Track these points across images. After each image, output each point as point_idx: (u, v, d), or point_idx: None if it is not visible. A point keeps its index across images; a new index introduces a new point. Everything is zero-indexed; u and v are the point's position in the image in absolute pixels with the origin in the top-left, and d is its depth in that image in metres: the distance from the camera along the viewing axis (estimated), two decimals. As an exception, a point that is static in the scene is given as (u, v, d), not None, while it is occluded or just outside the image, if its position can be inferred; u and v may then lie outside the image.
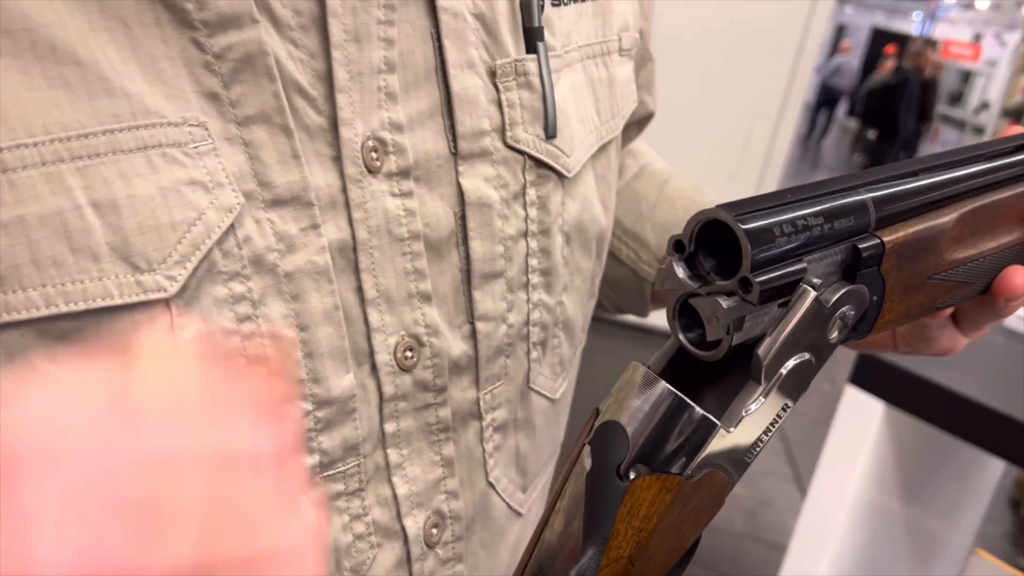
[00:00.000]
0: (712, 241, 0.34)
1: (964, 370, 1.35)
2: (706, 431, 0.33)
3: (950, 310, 0.49)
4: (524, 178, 0.46)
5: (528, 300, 0.48)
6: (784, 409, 0.35)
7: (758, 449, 0.36)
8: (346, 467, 0.42)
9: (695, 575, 2.15)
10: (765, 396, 0.34)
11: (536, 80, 0.45)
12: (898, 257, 0.38)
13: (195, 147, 0.34)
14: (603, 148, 0.53)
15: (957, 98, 14.52)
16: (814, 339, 0.35)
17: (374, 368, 0.42)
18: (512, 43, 0.44)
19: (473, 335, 0.46)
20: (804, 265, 0.34)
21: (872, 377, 1.39)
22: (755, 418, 0.34)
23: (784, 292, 0.33)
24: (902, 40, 14.86)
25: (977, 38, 14.42)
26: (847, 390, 1.44)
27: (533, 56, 0.45)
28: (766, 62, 3.53)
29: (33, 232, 0.31)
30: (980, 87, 14.06)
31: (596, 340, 0.83)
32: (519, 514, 0.55)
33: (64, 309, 0.32)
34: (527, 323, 0.49)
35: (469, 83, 0.43)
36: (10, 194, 0.30)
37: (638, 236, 0.66)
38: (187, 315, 0.34)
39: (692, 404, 0.33)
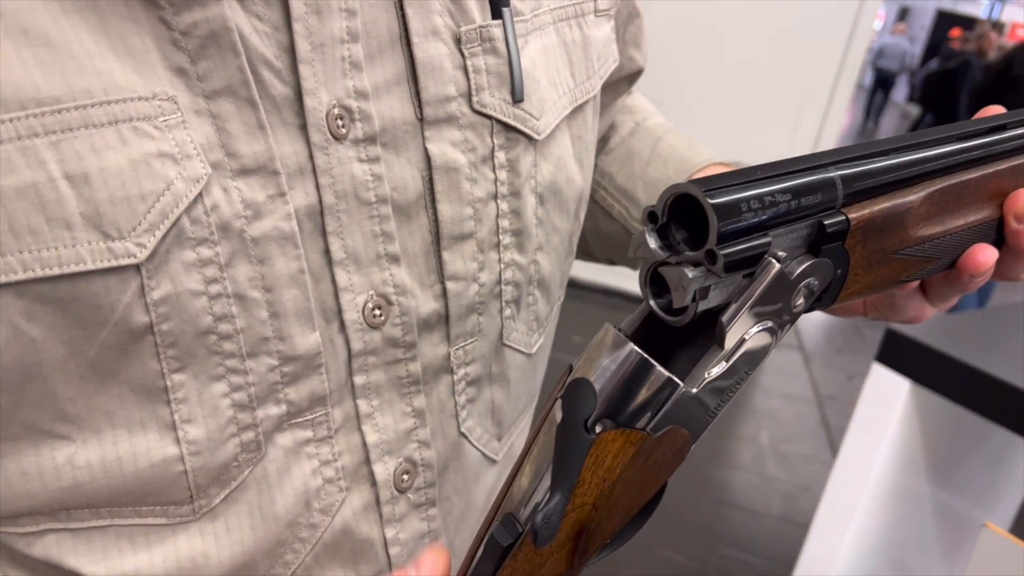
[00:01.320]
0: (684, 213, 0.36)
1: (994, 349, 1.33)
2: (669, 391, 0.35)
3: (917, 282, 0.50)
4: (492, 142, 0.47)
5: (500, 260, 0.50)
6: (746, 374, 0.37)
7: (720, 411, 0.38)
8: (314, 416, 0.45)
9: (730, 556, 2.15)
10: (727, 361, 0.36)
11: (502, 45, 0.46)
12: (863, 233, 0.39)
13: (164, 120, 0.36)
14: (579, 109, 0.53)
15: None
16: (778, 308, 0.37)
17: (342, 326, 0.44)
18: (477, 9, 0.45)
19: (444, 294, 0.48)
20: (769, 239, 0.35)
21: (899, 355, 1.38)
22: (717, 381, 0.36)
23: (749, 264, 0.35)
24: (969, 23, 14.43)
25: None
26: (873, 368, 1.43)
27: (498, 22, 0.46)
28: (817, 44, 3.47)
29: (10, 203, 0.33)
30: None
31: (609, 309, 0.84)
32: (494, 461, 0.57)
33: (40, 274, 0.34)
34: (499, 282, 0.50)
35: (433, 50, 0.44)
36: None
37: (630, 194, 0.67)
38: (157, 278, 0.37)
39: (656, 365, 0.35)
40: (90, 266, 0.35)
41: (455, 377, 0.50)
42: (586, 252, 0.74)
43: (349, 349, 0.45)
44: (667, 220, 0.36)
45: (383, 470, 0.48)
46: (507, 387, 0.55)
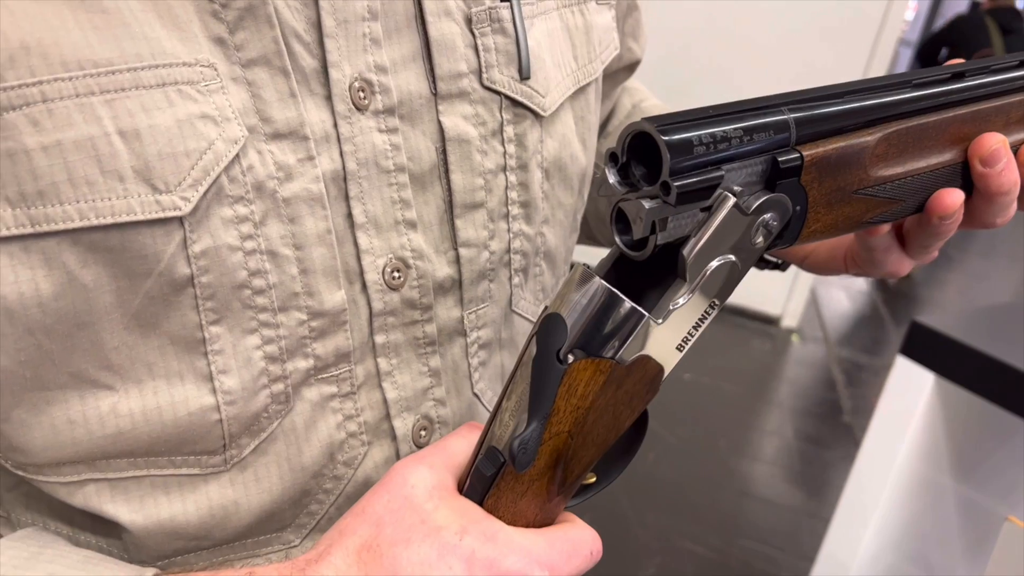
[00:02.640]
0: (643, 152, 0.38)
1: (1019, 342, 1.32)
2: (635, 321, 0.38)
3: (886, 227, 0.51)
4: (501, 116, 0.50)
5: (509, 230, 0.52)
6: (711, 307, 0.40)
7: (687, 342, 0.40)
8: (339, 372, 0.47)
9: (752, 548, 2.14)
10: (691, 293, 0.38)
11: (510, 26, 0.49)
12: (818, 170, 0.41)
13: (206, 85, 0.39)
14: (581, 90, 0.56)
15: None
16: (738, 242, 0.39)
17: (364, 286, 0.47)
18: None
19: (457, 260, 0.50)
20: (722, 173, 0.37)
21: (923, 348, 1.37)
22: (683, 313, 0.39)
23: (702, 196, 0.37)
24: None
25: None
26: (897, 360, 1.42)
27: (507, 4, 0.49)
28: (846, 35, 3.42)
29: (69, 155, 0.36)
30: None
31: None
32: None
33: (95, 222, 0.37)
34: (508, 251, 0.53)
35: (446, 29, 0.47)
36: (50, 121, 0.35)
37: None
38: (198, 232, 0.39)
39: (622, 296, 0.38)
40: (140, 216, 0.37)
41: (468, 340, 0.53)
42: (589, 236, 0.76)
43: (370, 309, 0.47)
44: (627, 159, 0.38)
45: (402, 425, 0.50)
46: (515, 352, 0.57)
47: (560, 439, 0.39)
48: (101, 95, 0.36)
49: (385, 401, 0.50)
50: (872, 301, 4.51)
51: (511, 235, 0.52)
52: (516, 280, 0.54)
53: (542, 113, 0.51)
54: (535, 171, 0.52)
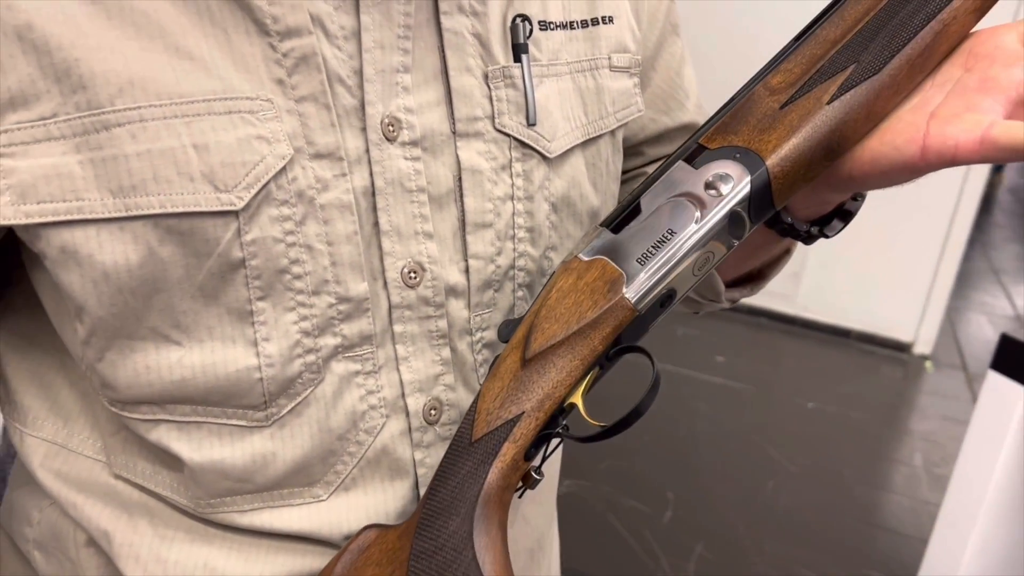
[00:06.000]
0: None
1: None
2: (596, 231, 0.53)
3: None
4: (510, 154, 0.60)
5: (515, 249, 0.61)
6: (670, 232, 0.51)
7: (647, 259, 0.52)
8: (363, 352, 0.57)
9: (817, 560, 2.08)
10: (644, 219, 0.52)
11: (520, 82, 0.59)
12: (725, 127, 0.53)
13: (264, 114, 0.49)
14: (592, 141, 0.65)
15: None
16: (689, 189, 0.52)
17: (385, 284, 0.57)
18: (502, 54, 0.58)
19: (467, 269, 0.60)
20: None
21: (1016, 362, 1.34)
22: (637, 230, 0.52)
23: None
24: None
25: None
26: (989, 375, 1.39)
27: (518, 64, 0.59)
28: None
29: (155, 160, 0.47)
30: None
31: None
32: None
33: (171, 210, 0.48)
34: (513, 267, 0.62)
35: (466, 83, 0.57)
36: (144, 135, 0.47)
37: None
38: (250, 224, 0.50)
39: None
40: (204, 208, 0.48)
41: (473, 338, 0.62)
42: None
43: (390, 302, 0.57)
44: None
45: (415, 403, 0.60)
46: None
47: (531, 316, 0.52)
48: (183, 118, 0.47)
49: (401, 382, 0.59)
50: (1019, 327, 4.26)
51: (516, 254, 0.61)
52: (520, 293, 0.63)
53: (547, 155, 0.61)
54: (541, 203, 0.61)
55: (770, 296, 3.87)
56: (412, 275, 0.57)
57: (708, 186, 0.51)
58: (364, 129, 0.53)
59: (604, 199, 0.67)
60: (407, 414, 0.60)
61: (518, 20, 0.58)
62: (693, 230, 0.51)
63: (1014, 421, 1.36)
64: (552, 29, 0.61)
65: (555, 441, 0.54)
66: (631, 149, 0.77)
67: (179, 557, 0.58)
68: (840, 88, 0.50)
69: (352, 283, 0.54)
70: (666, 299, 0.53)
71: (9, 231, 0.51)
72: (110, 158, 0.47)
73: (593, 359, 0.52)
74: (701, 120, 0.76)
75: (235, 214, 0.49)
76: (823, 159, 0.51)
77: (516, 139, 0.59)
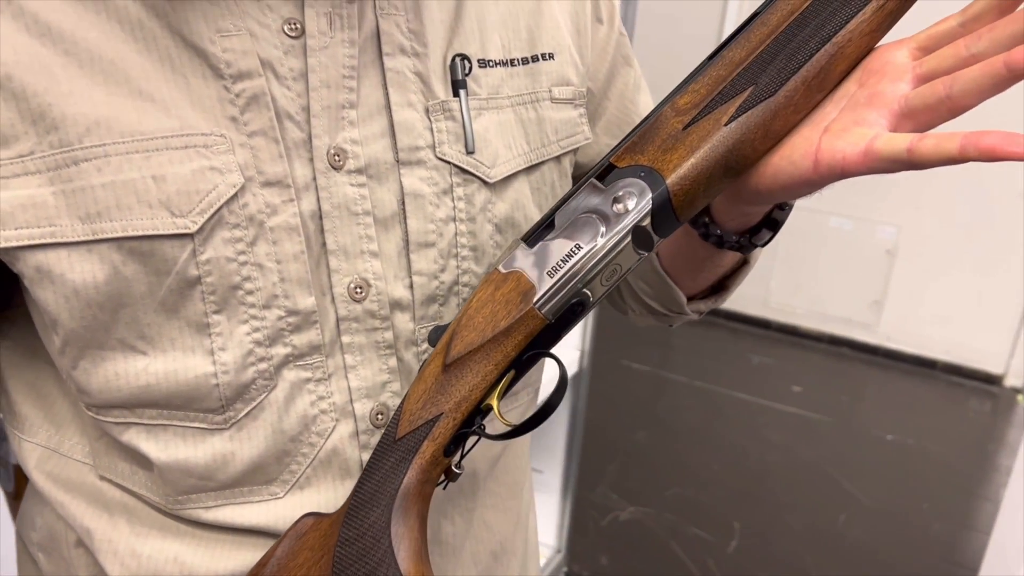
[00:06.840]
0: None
1: None
2: (515, 245, 0.57)
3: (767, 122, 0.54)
4: (451, 180, 0.64)
5: (458, 266, 0.66)
6: (576, 248, 0.55)
7: (557, 271, 0.55)
8: (312, 361, 0.61)
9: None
10: (557, 234, 0.56)
11: (458, 115, 0.64)
12: (631, 149, 0.56)
13: (217, 148, 0.54)
14: (536, 167, 0.69)
15: None
16: (595, 205, 0.55)
17: (333, 299, 0.61)
18: (442, 90, 0.63)
19: (411, 286, 0.64)
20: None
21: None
22: (549, 245, 0.56)
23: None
24: None
25: None
26: (1020, 400, 1.32)
27: (457, 99, 0.64)
28: None
29: (118, 190, 0.52)
30: None
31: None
32: None
33: (132, 233, 0.53)
34: (457, 282, 0.66)
35: (408, 116, 0.61)
36: (108, 168, 0.52)
37: None
38: (204, 246, 0.55)
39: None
40: (162, 232, 0.53)
41: (419, 349, 0.66)
42: None
43: (337, 315, 0.62)
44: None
45: (362, 408, 0.64)
46: None
47: (455, 324, 0.57)
48: (143, 153, 0.52)
49: (349, 389, 0.63)
50: None
51: (460, 271, 0.65)
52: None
53: (487, 180, 0.65)
54: (484, 224, 0.66)
55: (850, 325, 3.76)
56: (358, 290, 0.61)
57: (615, 202, 0.54)
58: (312, 159, 0.58)
59: None
60: (355, 418, 0.64)
61: (457, 59, 0.64)
62: (599, 245, 0.54)
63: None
64: (492, 66, 0.66)
65: (472, 439, 0.58)
66: None
67: (152, 552, 0.64)
68: (738, 110, 0.53)
69: (300, 297, 0.59)
70: (578, 307, 0.56)
71: None
72: (79, 189, 0.52)
73: (507, 364, 0.56)
74: None
75: (190, 236, 0.54)
76: (723, 176, 0.54)
77: (456, 166, 0.64)
